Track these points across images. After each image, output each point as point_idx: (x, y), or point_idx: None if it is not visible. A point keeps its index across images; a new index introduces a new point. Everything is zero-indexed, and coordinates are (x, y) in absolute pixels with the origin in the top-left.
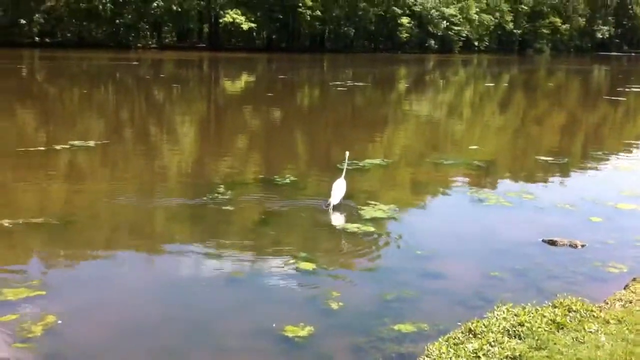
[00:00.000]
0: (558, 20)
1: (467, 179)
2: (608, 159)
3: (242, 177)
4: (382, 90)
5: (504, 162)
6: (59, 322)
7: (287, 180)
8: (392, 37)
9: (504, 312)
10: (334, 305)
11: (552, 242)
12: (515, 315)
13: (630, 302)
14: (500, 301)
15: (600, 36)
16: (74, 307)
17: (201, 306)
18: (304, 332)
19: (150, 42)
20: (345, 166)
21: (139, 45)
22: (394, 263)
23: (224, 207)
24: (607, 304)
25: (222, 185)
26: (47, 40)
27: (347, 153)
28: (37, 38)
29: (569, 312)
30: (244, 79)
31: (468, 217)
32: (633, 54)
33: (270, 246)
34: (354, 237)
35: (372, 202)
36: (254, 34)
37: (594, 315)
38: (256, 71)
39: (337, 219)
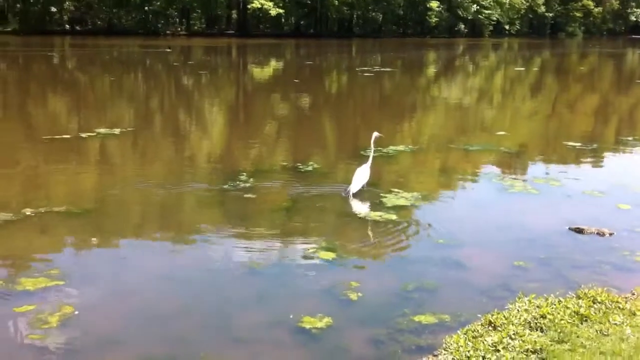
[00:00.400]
0: (591, 3)
1: (493, 166)
2: (639, 145)
3: (265, 164)
4: (410, 75)
5: (531, 148)
6: (76, 312)
7: (310, 168)
8: (422, 22)
9: (525, 303)
10: (353, 296)
11: (579, 230)
12: (538, 306)
13: None
14: (522, 292)
15: (634, 19)
16: (92, 298)
17: (218, 296)
18: (321, 324)
19: (179, 29)
20: (372, 152)
21: (167, 32)
22: (415, 252)
23: (245, 195)
24: (634, 294)
25: (244, 173)
26: (77, 27)
27: (375, 134)
28: (67, 26)
29: (594, 303)
30: (271, 65)
31: (493, 205)
32: None
33: (290, 235)
34: (376, 225)
35: (396, 190)
36: (282, 19)
37: (619, 307)
38: (284, 57)
39: (359, 207)
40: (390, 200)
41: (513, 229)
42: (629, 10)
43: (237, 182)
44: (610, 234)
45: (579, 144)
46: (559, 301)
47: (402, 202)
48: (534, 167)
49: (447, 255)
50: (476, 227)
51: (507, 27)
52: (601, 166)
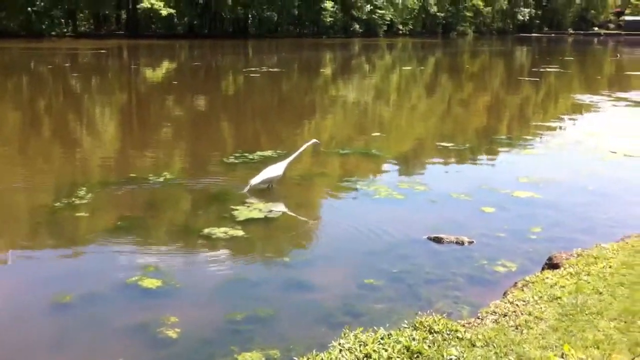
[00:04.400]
0: (480, 3)
1: (359, 170)
2: (511, 144)
3: (112, 177)
4: (296, 76)
5: (403, 149)
6: None
7: (161, 179)
8: (317, 22)
9: (351, 340)
10: (171, 333)
11: (438, 240)
12: (363, 343)
13: (505, 316)
14: (348, 327)
15: (522, 18)
16: None
17: (10, 341)
18: None
19: (65, 30)
20: (296, 152)
21: (53, 33)
22: (255, 274)
23: (76, 214)
24: (479, 318)
25: (84, 188)
26: None
27: (314, 140)
28: None
29: (430, 334)
30: (153, 66)
31: (352, 215)
32: (553, 35)
33: (114, 260)
34: (217, 243)
35: (250, 201)
36: (175, 20)
37: (458, 337)
38: (170, 59)
39: (203, 223)
40: (241, 213)
41: (369, 241)
42: (516, 10)
43: (72, 199)
44: (470, 242)
45: (451, 144)
46: (389, 335)
47: (255, 214)
48: (401, 169)
49: (291, 276)
50: (329, 241)
51: (400, 27)
52: (470, 167)
